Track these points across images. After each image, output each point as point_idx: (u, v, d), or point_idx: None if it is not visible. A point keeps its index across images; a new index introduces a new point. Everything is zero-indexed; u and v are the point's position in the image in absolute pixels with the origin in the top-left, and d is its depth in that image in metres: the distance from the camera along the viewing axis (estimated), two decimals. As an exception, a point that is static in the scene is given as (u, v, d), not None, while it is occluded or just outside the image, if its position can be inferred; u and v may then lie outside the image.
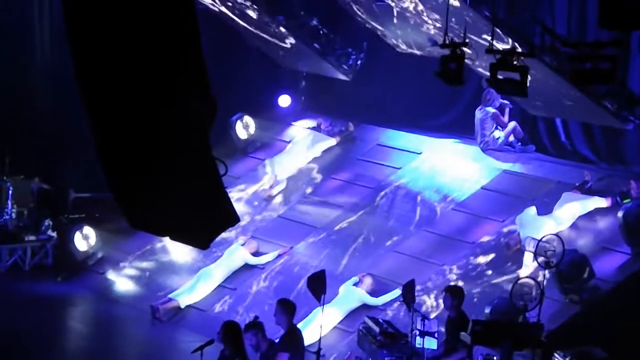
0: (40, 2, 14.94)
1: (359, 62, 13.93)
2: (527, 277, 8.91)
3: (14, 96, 14.83)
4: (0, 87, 14.69)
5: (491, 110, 12.66)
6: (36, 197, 14.10)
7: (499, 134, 12.69)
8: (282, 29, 13.55)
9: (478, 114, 12.71)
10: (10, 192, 13.75)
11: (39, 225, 13.88)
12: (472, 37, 10.24)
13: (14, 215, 13.77)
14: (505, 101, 12.64)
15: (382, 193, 12.68)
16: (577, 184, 11.37)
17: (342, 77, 14.09)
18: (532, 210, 11.03)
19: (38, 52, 15.12)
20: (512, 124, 12.71)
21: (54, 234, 13.83)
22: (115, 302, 12.69)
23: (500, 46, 9.87)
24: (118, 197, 4.92)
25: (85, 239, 13.63)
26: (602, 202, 10.97)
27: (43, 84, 15.16)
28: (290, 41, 13.76)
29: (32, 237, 13.75)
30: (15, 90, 14.88)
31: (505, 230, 11.28)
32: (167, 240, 12.47)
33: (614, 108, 10.98)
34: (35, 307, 12.37)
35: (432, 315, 9.95)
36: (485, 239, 11.30)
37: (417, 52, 12.74)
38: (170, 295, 12.18)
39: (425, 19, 11.62)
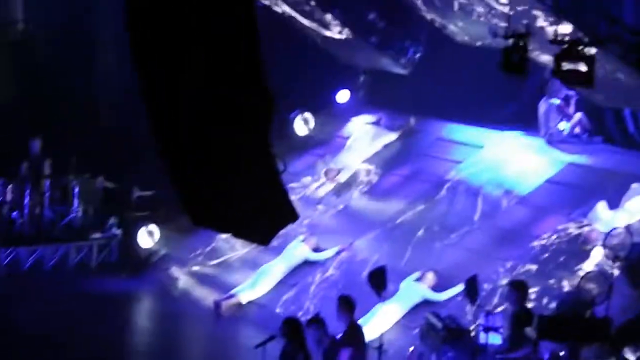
0: (100, 7, 15.18)
1: (417, 55, 13.81)
2: (595, 270, 8.73)
3: (78, 97, 15.11)
4: (65, 90, 14.99)
5: (556, 101, 12.44)
6: (101, 195, 14.32)
7: (564, 125, 12.46)
8: (337, 22, 13.50)
9: (542, 105, 12.50)
10: (76, 190, 13.99)
11: (104, 223, 14.11)
12: (536, 26, 10.07)
13: (79, 214, 14.02)
14: (571, 92, 12.40)
15: (444, 187, 12.55)
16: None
17: (400, 70, 13.99)
18: (602, 205, 10.78)
19: (101, 53, 15.36)
20: (578, 115, 12.47)
21: (119, 232, 14.03)
22: (179, 299, 12.82)
23: (564, 36, 9.67)
24: (181, 195, 4.95)
25: (149, 236, 13.80)
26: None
27: (106, 84, 15.40)
28: (341, 31, 13.68)
29: (98, 235, 13.98)
30: (80, 92, 15.16)
31: (571, 224, 11.06)
32: (229, 237, 12.54)
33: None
34: (100, 303, 12.56)
35: (497, 310, 9.80)
36: (551, 233, 11.10)
37: (478, 44, 12.58)
38: (232, 292, 12.25)
39: (487, 9, 11.46)
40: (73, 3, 15.04)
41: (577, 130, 12.50)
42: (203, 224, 5.17)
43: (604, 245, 8.39)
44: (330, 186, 13.47)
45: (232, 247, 13.06)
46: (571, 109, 12.45)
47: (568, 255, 10.68)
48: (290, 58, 14.69)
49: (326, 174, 13.49)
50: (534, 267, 10.74)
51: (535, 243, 11.06)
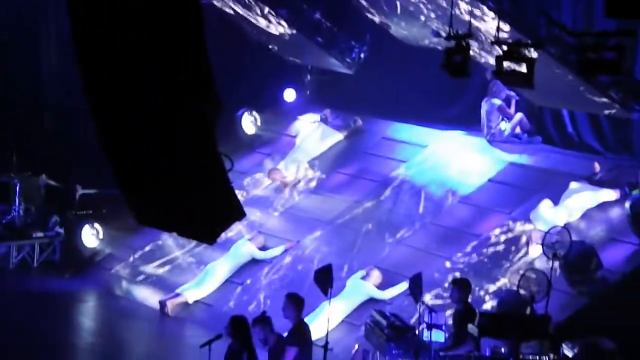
0: (46, 9, 15.03)
1: (362, 55, 13.91)
2: (534, 268, 8.91)
3: (21, 95, 14.91)
4: (8, 87, 14.78)
5: (497, 102, 12.64)
6: (43, 193, 14.14)
7: (505, 125, 12.67)
8: (284, 22, 13.54)
9: (484, 105, 12.70)
10: (17, 189, 13.80)
11: (46, 222, 13.93)
12: (478, 28, 10.22)
13: (21, 212, 13.83)
14: (512, 92, 12.62)
15: (389, 187, 12.68)
16: (586, 175, 11.34)
17: (346, 70, 14.08)
18: (546, 203, 10.99)
19: (44, 53, 15.20)
20: (519, 115, 12.69)
21: (62, 231, 13.87)
22: (123, 298, 12.73)
23: (506, 37, 9.84)
24: (125, 194, 4.94)
25: (92, 235, 13.67)
26: (612, 195, 10.94)
27: (49, 83, 15.24)
28: (288, 31, 13.73)
29: (40, 234, 13.80)
30: (23, 90, 14.95)
31: (511, 223, 11.26)
32: (174, 236, 12.49)
33: (620, 98, 10.95)
34: (44, 303, 12.41)
35: (440, 308, 9.93)
36: (493, 231, 11.29)
37: (422, 45, 12.72)
38: (177, 291, 12.20)
39: (429, 10, 11.60)
40: (17, 4, 14.86)
41: (518, 130, 12.73)
42: (147, 222, 5.16)
43: (544, 243, 8.56)
44: (276, 185, 13.50)
45: (178, 246, 13.01)
46: (512, 109, 12.67)
47: (509, 254, 10.87)
48: (237, 57, 14.69)
49: (269, 174, 13.52)
50: (476, 265, 10.91)
51: (478, 241, 11.24)
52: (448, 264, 11.06)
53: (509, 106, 12.66)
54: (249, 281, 12.09)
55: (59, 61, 14.95)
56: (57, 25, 15.00)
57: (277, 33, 13.86)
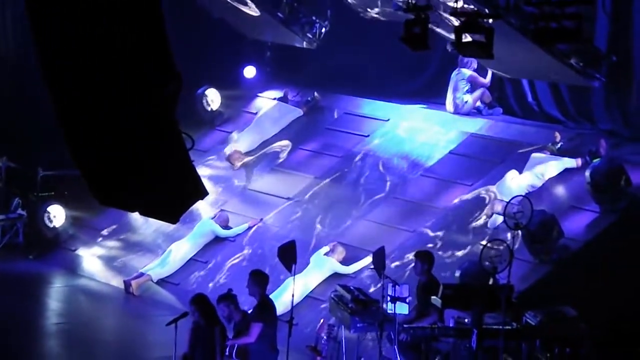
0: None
1: (323, 30, 13.86)
2: (496, 239, 9.00)
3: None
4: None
5: (467, 72, 12.68)
6: (4, 175, 13.99)
7: (467, 97, 12.73)
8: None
9: (453, 77, 12.73)
10: (-23, 171, 13.64)
11: (8, 204, 13.79)
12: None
13: (-18, 195, 13.68)
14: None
15: (351, 161, 12.71)
16: (547, 145, 11.44)
17: (307, 46, 14.03)
18: (511, 174, 11.06)
19: (1, 35, 14.94)
20: (480, 88, 12.75)
21: (24, 212, 13.75)
22: (88, 279, 12.68)
23: (464, 8, 9.84)
24: (85, 174, 4.91)
25: (55, 217, 13.57)
26: (573, 163, 11.06)
27: (7, 63, 15.00)
28: (254, 8, 13.65)
29: (2, 216, 13.67)
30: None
31: (475, 194, 11.35)
32: (137, 216, 12.44)
33: (580, 66, 11.01)
34: (8, 285, 12.32)
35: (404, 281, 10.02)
36: (454, 203, 11.38)
37: (382, 18, 12.71)
38: (141, 270, 12.18)
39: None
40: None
41: (479, 103, 12.80)
42: (109, 203, 5.14)
43: (505, 214, 8.65)
44: (238, 163, 13.45)
45: (140, 225, 12.96)
46: (488, 78, 12.60)
47: (471, 225, 10.97)
48: (196, 33, 14.57)
49: (229, 158, 13.41)
50: (439, 237, 11.00)
51: (440, 213, 11.32)
52: (411, 237, 11.13)
53: (484, 76, 12.66)
54: (213, 260, 12.09)
55: (16, 40, 14.71)
56: (13, 7, 14.75)
57: (238, 8, 13.76)
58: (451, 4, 9.57)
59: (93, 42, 4.49)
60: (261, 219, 12.37)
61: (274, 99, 14.29)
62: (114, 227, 13.17)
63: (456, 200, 11.39)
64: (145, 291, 11.98)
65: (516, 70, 12.06)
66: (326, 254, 11.14)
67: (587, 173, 10.43)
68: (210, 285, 11.57)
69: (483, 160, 11.86)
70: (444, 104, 12.93)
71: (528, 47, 10.54)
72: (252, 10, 13.56)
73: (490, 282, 8.91)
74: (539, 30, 8.82)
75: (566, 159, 11.12)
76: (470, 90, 12.69)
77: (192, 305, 8.20)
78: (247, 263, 11.58)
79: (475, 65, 12.63)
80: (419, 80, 13.81)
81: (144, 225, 12.91)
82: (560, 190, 11.02)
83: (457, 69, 12.72)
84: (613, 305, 9.44)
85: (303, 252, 10.66)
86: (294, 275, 8.88)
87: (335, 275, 10.91)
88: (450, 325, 8.77)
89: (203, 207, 12.62)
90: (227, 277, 11.60)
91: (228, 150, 13.51)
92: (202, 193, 4.78)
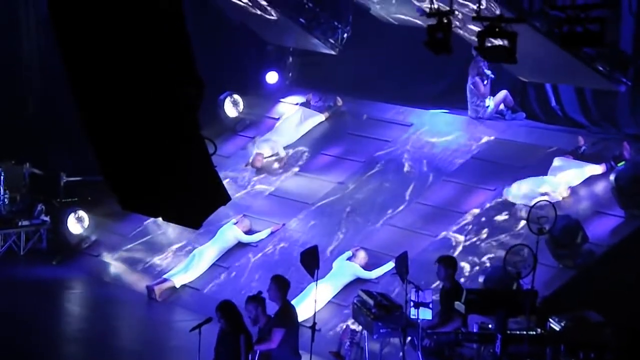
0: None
1: (345, 35, 13.87)
2: (520, 244, 8.93)
3: (4, 83, 14.80)
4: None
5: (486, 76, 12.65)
6: (28, 182, 14.10)
7: (488, 102, 12.69)
8: (266, 3, 13.47)
9: (469, 83, 12.71)
10: (1, 177, 13.74)
11: (32, 210, 13.90)
12: (461, 3, 10.18)
13: (6, 201, 13.78)
14: (488, 71, 12.62)
15: (373, 166, 12.69)
16: (570, 150, 11.37)
17: (329, 51, 14.04)
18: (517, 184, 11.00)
19: (25, 39, 15.08)
20: (503, 92, 12.71)
21: (47, 219, 13.85)
22: (111, 284, 12.72)
23: (488, 12, 9.82)
24: (109, 180, 4.93)
25: (78, 223, 13.65)
26: (597, 169, 10.97)
27: (32, 70, 15.13)
28: (275, 13, 13.67)
29: (26, 222, 13.77)
30: (4, 77, 14.84)
31: (497, 199, 11.28)
32: (160, 221, 12.48)
33: (605, 70, 10.94)
34: (31, 291, 12.39)
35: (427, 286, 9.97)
36: (477, 209, 11.32)
37: (405, 24, 12.70)
38: (165, 276, 12.21)
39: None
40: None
41: (502, 107, 12.76)
42: (133, 208, 5.16)
43: (529, 219, 8.59)
44: (261, 168, 13.48)
45: (164, 231, 12.99)
46: (481, 88, 12.59)
47: (495, 230, 10.91)
48: (218, 40, 14.62)
49: (252, 163, 13.43)
50: (462, 242, 10.95)
51: (463, 218, 11.27)
52: (434, 242, 11.08)
53: (484, 84, 12.62)
54: (235, 265, 12.10)
55: (41, 47, 14.84)
56: (36, 10, 14.87)
57: (260, 14, 13.80)
58: (475, 6, 9.53)
59: (116, 47, 4.52)
60: (283, 224, 12.37)
61: (296, 104, 14.30)
62: (137, 232, 13.21)
63: (480, 206, 11.33)
64: (168, 297, 12.01)
65: (540, 74, 12.00)
66: (349, 259, 11.12)
67: (612, 177, 10.35)
68: (233, 290, 11.57)
69: (506, 165, 11.80)
70: (467, 108, 12.89)
71: (553, 51, 10.49)
72: (271, 15, 13.59)
73: (514, 287, 8.85)
74: (564, 34, 8.76)
75: (590, 165, 11.04)
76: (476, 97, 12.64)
77: (218, 312, 8.20)
78: (269, 268, 11.57)
79: (475, 74, 12.52)
80: (443, 84, 13.77)
81: (167, 230, 12.95)
82: (584, 195, 10.94)
83: (470, 76, 12.68)
84: (638, 311, 9.35)
85: (325, 257, 10.65)
86: (317, 281, 8.86)
87: (358, 281, 10.89)
88: (474, 330, 8.73)
89: (225, 212, 12.64)
90: (248, 282, 11.59)
91: (251, 155, 13.55)
92: (225, 198, 4.79)
